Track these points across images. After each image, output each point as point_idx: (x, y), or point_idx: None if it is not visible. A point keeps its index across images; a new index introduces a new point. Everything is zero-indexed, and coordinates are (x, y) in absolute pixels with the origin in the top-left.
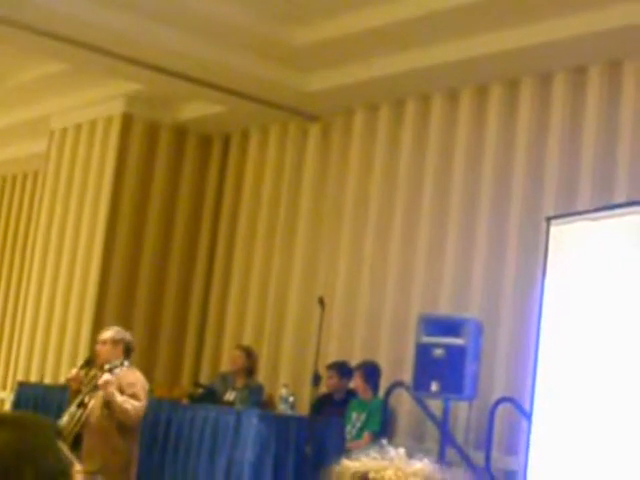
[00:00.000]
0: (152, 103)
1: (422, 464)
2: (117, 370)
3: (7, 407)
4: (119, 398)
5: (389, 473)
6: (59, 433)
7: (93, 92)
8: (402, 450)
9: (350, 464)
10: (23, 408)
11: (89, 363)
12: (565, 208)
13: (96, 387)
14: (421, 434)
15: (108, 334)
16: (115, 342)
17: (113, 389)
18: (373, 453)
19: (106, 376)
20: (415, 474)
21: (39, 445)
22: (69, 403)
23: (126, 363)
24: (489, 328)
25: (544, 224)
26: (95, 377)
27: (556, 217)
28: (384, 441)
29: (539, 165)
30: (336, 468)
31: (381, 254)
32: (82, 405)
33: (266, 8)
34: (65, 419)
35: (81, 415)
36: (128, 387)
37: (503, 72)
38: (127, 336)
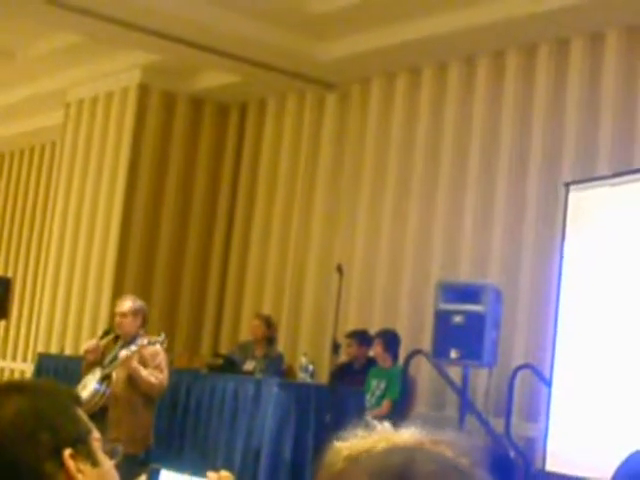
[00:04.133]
0: (168, 73)
1: (411, 432)
2: (145, 341)
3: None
4: (143, 372)
5: (379, 448)
6: (77, 400)
7: (109, 63)
8: (387, 424)
9: (341, 446)
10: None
11: (107, 334)
12: (584, 174)
13: (119, 361)
14: (441, 401)
15: (127, 305)
16: (135, 313)
17: (136, 363)
18: (360, 432)
19: (124, 352)
20: (405, 444)
21: (57, 411)
22: (84, 374)
23: (165, 341)
24: (508, 295)
25: (563, 190)
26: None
27: (575, 183)
28: (369, 418)
29: (557, 131)
30: (327, 455)
31: (399, 221)
32: (107, 378)
33: None
34: (88, 393)
35: (106, 389)
36: (151, 358)
37: (520, 39)
38: (143, 304)
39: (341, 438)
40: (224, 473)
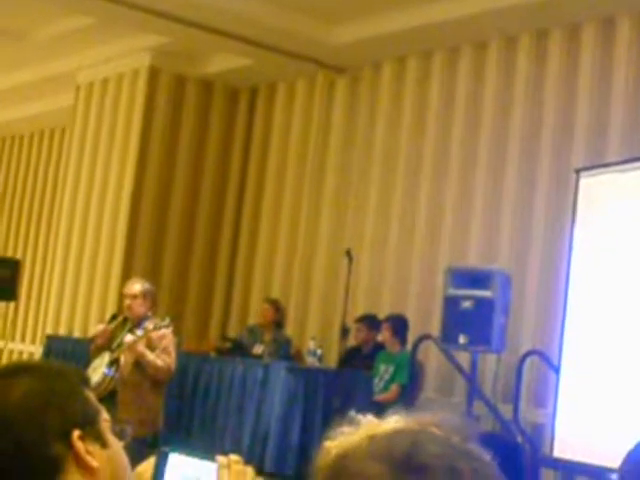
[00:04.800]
0: (179, 56)
1: (395, 419)
2: (151, 326)
3: None
4: (150, 356)
5: (364, 444)
6: (86, 381)
7: (119, 46)
8: (370, 416)
9: (330, 445)
10: None
11: (115, 318)
12: (594, 160)
13: (125, 345)
14: (449, 387)
15: (137, 287)
16: (144, 295)
17: (143, 347)
18: (346, 428)
19: (130, 337)
20: (394, 431)
21: (65, 392)
22: (92, 357)
23: (171, 324)
24: (517, 280)
25: (573, 176)
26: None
27: (585, 169)
28: (352, 413)
29: (568, 117)
30: (318, 456)
31: (409, 206)
32: (115, 362)
33: None
34: (97, 378)
35: (115, 372)
36: (158, 341)
37: (532, 23)
38: (152, 287)
39: (328, 437)
40: (233, 457)
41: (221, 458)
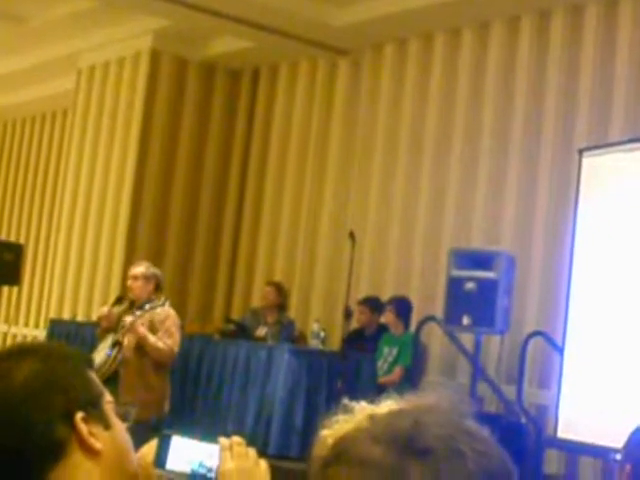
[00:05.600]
0: (180, 39)
1: (389, 404)
2: (147, 306)
3: None
4: (151, 339)
5: (364, 425)
6: (89, 363)
7: (121, 29)
8: (363, 403)
9: (326, 434)
10: None
11: (120, 301)
12: (598, 140)
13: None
14: (453, 368)
15: (140, 269)
16: (147, 278)
17: (144, 330)
18: (341, 416)
19: (129, 318)
20: (394, 412)
21: (69, 375)
22: (98, 340)
23: (166, 302)
24: (521, 261)
25: (576, 156)
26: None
27: (588, 149)
28: (346, 400)
29: (571, 96)
30: (315, 446)
31: (412, 188)
32: (118, 344)
33: None
34: (100, 359)
35: (117, 354)
36: (160, 323)
37: (534, 3)
38: (158, 272)
39: (324, 426)
40: (236, 438)
41: (223, 440)
